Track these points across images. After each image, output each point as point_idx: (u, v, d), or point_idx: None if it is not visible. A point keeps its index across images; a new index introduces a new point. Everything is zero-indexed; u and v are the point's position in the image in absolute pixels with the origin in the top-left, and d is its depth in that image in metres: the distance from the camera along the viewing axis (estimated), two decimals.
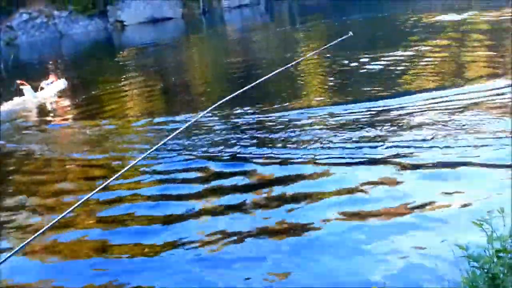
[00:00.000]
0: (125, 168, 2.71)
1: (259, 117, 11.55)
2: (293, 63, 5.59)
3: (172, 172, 8.71)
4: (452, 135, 8.37)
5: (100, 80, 20.71)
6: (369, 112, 10.60)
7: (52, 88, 18.63)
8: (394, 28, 24.10)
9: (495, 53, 15.06)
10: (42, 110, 16.70)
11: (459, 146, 7.92)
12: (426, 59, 15.61)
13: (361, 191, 6.98)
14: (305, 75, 16.39)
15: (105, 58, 22.34)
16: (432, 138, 8.38)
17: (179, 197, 7.67)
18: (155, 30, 46.37)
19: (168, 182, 8.37)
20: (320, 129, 9.96)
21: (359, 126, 9.65)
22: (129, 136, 12.01)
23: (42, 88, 18.46)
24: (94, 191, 2.46)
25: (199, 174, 8.47)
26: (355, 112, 10.78)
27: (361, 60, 16.46)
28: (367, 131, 9.28)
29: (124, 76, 21.07)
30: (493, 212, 3.20)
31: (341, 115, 10.76)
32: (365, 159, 8.06)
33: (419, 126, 9.19)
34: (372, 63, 15.78)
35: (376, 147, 8.42)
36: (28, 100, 17.73)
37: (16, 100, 17.62)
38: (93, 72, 23.06)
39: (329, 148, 8.67)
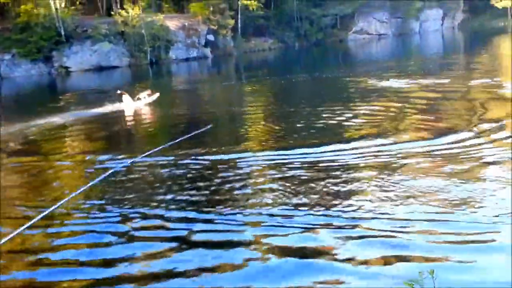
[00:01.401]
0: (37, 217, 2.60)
1: (194, 169, 11.47)
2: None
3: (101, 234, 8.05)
4: (382, 198, 8.53)
5: (38, 123, 20.14)
6: (309, 168, 10.78)
7: (147, 99, 22.67)
8: (335, 88, 24.98)
9: (428, 116, 15.77)
10: None
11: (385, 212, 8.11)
12: (362, 118, 16.18)
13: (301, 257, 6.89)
14: (248, 126, 16.64)
15: (45, 101, 21.83)
16: (365, 202, 8.46)
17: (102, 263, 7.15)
18: (100, 77, 46.08)
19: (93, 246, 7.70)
20: (257, 186, 9.90)
21: (298, 186, 9.60)
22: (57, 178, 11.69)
23: (139, 99, 22.55)
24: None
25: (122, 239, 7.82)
26: (297, 166, 10.92)
27: (303, 114, 16.91)
28: (304, 192, 9.22)
29: (63, 121, 20.63)
30: (424, 274, 3.27)
31: (283, 169, 10.85)
32: (300, 226, 7.84)
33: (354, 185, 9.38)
34: (314, 119, 16.21)
35: (310, 213, 8.23)
36: (126, 105, 22.19)
37: (116, 105, 22.27)
38: (29, 113, 22.38)
39: (261, 214, 8.38)
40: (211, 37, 57.39)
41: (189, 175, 11.01)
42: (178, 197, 9.48)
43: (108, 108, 22.01)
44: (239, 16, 59.33)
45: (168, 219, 8.43)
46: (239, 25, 59.89)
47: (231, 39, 59.36)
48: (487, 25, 74.80)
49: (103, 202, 9.53)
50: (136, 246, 7.50)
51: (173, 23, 54.92)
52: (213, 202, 9.11)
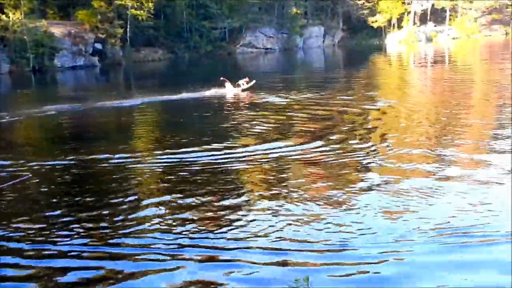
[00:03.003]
0: None
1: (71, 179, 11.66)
2: None
3: None
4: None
5: None
6: (196, 177, 11.39)
7: (246, 85, 26.04)
8: (226, 102, 25.79)
9: (311, 127, 17.08)
10: None
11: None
12: (249, 130, 17.15)
13: None
14: (137, 135, 16.91)
15: None
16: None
17: None
18: None
19: None
20: (138, 200, 10.03)
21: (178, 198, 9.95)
22: None
23: (238, 85, 26.19)
24: None
25: None
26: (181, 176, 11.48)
27: (192, 125, 17.48)
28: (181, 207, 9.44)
29: None
30: (300, 280, 3.45)
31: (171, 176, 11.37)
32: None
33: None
34: (201, 130, 16.87)
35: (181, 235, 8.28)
36: (227, 91, 26.08)
37: (217, 89, 26.43)
38: None
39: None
40: (99, 46, 56.01)
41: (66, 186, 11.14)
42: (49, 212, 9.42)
43: (211, 92, 26.21)
44: (128, 25, 58.53)
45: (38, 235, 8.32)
46: (128, 34, 59.06)
47: (120, 48, 58.30)
48: (364, 44, 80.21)
49: None
50: None
51: (58, 30, 52.92)
52: (80, 214, 9.19)
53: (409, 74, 38.23)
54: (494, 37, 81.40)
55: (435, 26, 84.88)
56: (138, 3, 58.01)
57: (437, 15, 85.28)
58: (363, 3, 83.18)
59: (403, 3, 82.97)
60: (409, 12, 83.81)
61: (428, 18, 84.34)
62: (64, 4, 58.56)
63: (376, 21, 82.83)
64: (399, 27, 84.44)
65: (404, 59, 55.38)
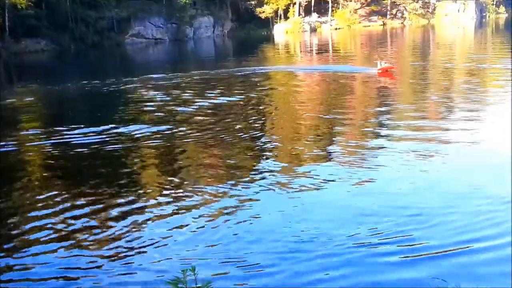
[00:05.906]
0: None
1: None
2: None
3: None
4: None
5: None
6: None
7: (382, 66, 28.27)
8: (117, 97, 25.54)
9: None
10: None
11: None
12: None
13: None
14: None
15: None
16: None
17: None
18: None
19: None
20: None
21: None
22: None
23: (381, 64, 28.54)
24: None
25: None
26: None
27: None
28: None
29: None
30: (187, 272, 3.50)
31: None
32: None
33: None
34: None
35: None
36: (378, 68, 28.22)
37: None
38: None
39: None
40: None
41: None
42: None
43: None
44: (6, 14, 55.13)
45: None
46: (7, 24, 55.67)
47: None
48: (253, 34, 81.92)
49: None
50: None
51: None
52: None
53: (296, 62, 39.91)
54: (373, 28, 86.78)
55: (319, 17, 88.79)
56: None
57: (320, 7, 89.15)
58: None
59: None
60: (294, 3, 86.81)
61: (312, 9, 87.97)
62: None
63: (264, 12, 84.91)
64: (286, 18, 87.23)
65: (291, 48, 57.51)
